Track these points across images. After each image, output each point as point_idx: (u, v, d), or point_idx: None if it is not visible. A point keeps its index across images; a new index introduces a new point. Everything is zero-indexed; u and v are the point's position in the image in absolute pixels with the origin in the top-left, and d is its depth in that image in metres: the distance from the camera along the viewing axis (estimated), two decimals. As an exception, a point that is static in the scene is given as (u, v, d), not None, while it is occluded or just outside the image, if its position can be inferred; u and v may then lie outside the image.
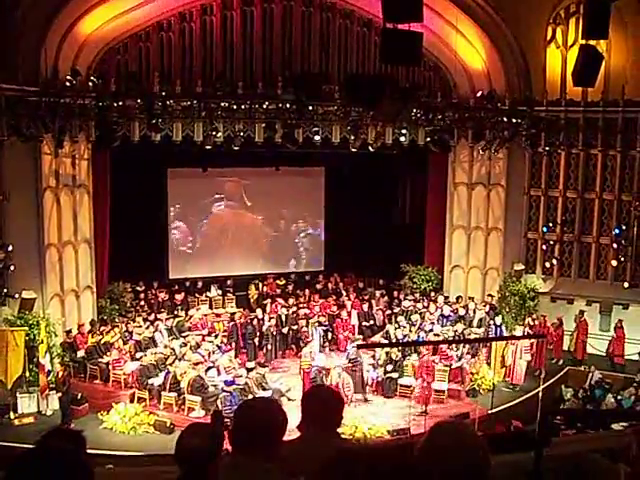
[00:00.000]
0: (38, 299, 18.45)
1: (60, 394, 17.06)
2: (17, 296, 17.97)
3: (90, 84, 18.55)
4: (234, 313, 21.81)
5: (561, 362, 20.60)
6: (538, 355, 19.75)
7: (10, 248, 17.70)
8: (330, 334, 21.61)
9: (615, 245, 21.33)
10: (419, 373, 18.17)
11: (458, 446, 2.42)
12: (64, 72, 18.16)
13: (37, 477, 2.29)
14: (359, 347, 18.23)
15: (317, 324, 21.22)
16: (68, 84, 17.81)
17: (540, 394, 15.32)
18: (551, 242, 22.38)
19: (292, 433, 3.97)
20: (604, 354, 20.92)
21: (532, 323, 20.70)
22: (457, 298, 22.43)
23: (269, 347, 20.56)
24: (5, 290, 17.87)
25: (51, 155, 18.85)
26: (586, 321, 21.07)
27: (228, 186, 24.66)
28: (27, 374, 17.55)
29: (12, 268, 17.83)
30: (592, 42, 11.82)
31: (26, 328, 17.58)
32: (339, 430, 4.07)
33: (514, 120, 20.87)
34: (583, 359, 20.72)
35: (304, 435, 3.96)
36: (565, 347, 21.17)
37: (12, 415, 17.09)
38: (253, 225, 25.19)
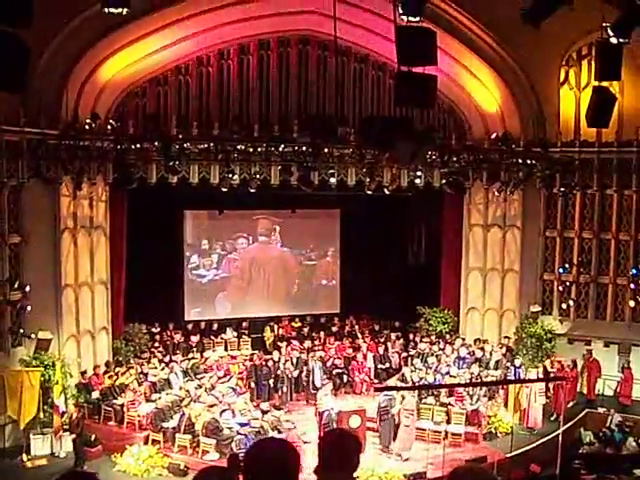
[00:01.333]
0: (54, 340, 18.47)
1: (74, 435, 16.97)
2: (33, 336, 18.00)
3: (109, 127, 18.82)
4: (253, 354, 21.76)
5: (571, 404, 20.22)
6: (556, 398, 19.52)
7: (27, 288, 17.81)
8: (345, 377, 21.49)
9: (632, 285, 21.18)
10: (400, 417, 17.75)
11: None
12: (84, 115, 18.44)
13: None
14: (376, 390, 18.06)
15: (318, 358, 21.21)
16: (87, 127, 18.07)
17: (560, 438, 15.12)
18: (567, 283, 22.26)
19: (309, 477, 3.96)
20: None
21: (549, 369, 20.49)
22: (475, 341, 22.28)
23: (284, 389, 20.44)
24: (21, 330, 17.93)
25: (69, 197, 19.03)
26: (597, 361, 20.89)
27: (245, 229, 24.76)
28: (41, 415, 17.47)
29: (29, 308, 17.90)
30: (605, 83, 11.90)
31: (41, 369, 17.56)
32: (355, 474, 4.03)
33: (529, 162, 20.94)
34: (595, 400, 20.59)
35: (321, 479, 3.94)
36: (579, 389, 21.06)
37: (25, 457, 17.00)
38: (269, 267, 25.20)
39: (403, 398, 18.28)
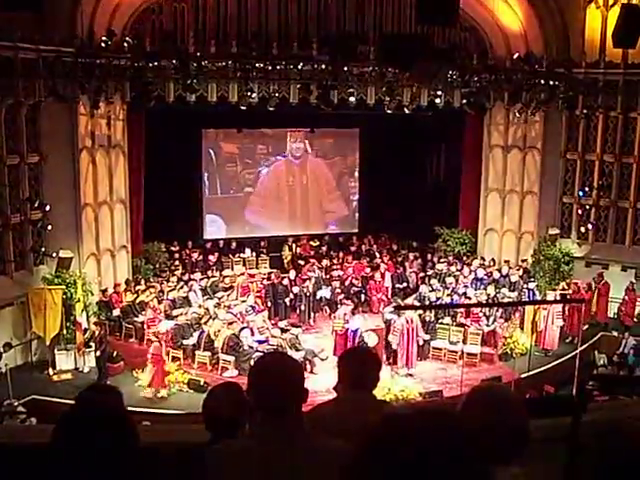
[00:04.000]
0: (75, 258, 18.72)
1: (97, 352, 17.37)
2: (54, 255, 18.27)
3: (125, 45, 18.59)
4: (270, 273, 21.95)
5: (586, 327, 20.27)
6: (571, 321, 19.62)
7: (47, 208, 17.94)
8: (363, 296, 21.67)
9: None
10: (402, 336, 17.86)
11: (499, 408, 2.45)
12: (100, 33, 18.19)
13: (85, 430, 2.36)
14: (396, 308, 18.20)
15: (315, 268, 21.73)
16: (103, 45, 17.86)
17: (577, 359, 15.26)
18: (587, 206, 22.11)
19: (326, 394, 4.03)
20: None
21: (565, 291, 20.50)
22: (491, 261, 22.40)
23: (302, 308, 20.64)
24: (43, 249, 18.19)
25: (87, 116, 18.97)
26: (607, 283, 20.87)
27: (263, 148, 24.70)
28: (64, 332, 17.90)
29: (50, 228, 18.10)
30: (634, 1, 11.59)
31: (63, 287, 17.88)
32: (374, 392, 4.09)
33: (551, 82, 20.54)
34: (608, 323, 20.64)
35: (340, 396, 4.01)
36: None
37: (51, 371, 17.53)
38: (286, 186, 25.19)
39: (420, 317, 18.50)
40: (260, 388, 3.02)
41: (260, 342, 17.72)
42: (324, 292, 20.90)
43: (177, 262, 22.38)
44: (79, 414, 2.54)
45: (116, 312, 19.01)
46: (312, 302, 20.76)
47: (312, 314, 20.78)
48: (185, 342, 18.06)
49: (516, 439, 2.46)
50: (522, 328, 19.61)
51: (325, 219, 25.89)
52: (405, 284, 22.24)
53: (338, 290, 21.17)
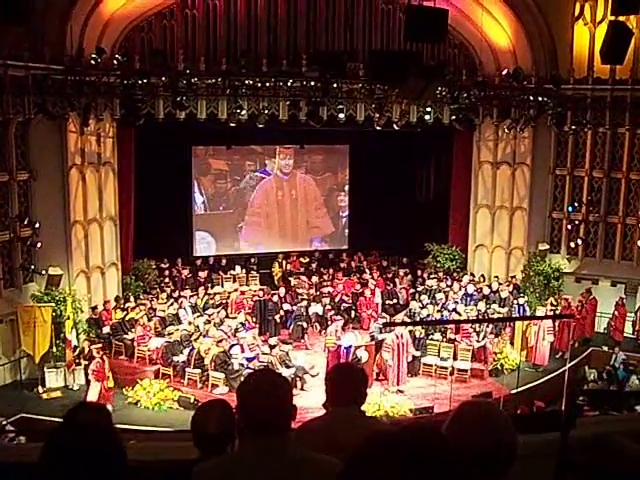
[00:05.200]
0: (64, 276, 18.66)
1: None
2: (44, 273, 18.19)
3: (115, 62, 18.61)
4: (261, 289, 21.93)
5: (576, 344, 20.30)
6: (562, 336, 19.63)
7: (37, 225, 17.89)
8: (353, 312, 21.64)
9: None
10: (395, 352, 17.82)
11: (486, 425, 2.44)
12: (89, 50, 18.20)
13: (73, 450, 2.34)
14: (385, 325, 18.18)
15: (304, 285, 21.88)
16: (93, 62, 17.86)
17: (566, 375, 15.26)
18: (576, 222, 22.21)
19: (317, 411, 4.01)
20: (631, 335, 20.76)
21: (554, 306, 20.50)
22: (480, 277, 22.42)
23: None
24: (32, 267, 18.10)
25: (77, 133, 18.96)
26: (595, 299, 20.89)
27: (252, 165, 24.74)
28: (54, 349, 17.79)
29: (39, 245, 18.02)
30: (621, 18, 11.68)
31: (53, 304, 17.79)
32: (362, 408, 4.08)
33: (540, 98, 20.67)
34: (591, 337, 20.68)
35: (328, 413, 3.99)
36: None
37: (40, 389, 17.38)
38: (275, 204, 25.21)
39: (411, 334, 18.47)
40: (248, 406, 3.00)
41: (250, 359, 17.65)
42: (316, 308, 20.86)
43: (167, 279, 22.31)
44: (66, 432, 2.52)
45: (106, 329, 18.91)
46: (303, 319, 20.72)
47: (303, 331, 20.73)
48: (175, 359, 17.99)
49: (504, 455, 2.45)
50: (512, 344, 19.62)
51: (312, 235, 25.91)
52: (395, 300, 22.24)
53: (328, 307, 21.13)
